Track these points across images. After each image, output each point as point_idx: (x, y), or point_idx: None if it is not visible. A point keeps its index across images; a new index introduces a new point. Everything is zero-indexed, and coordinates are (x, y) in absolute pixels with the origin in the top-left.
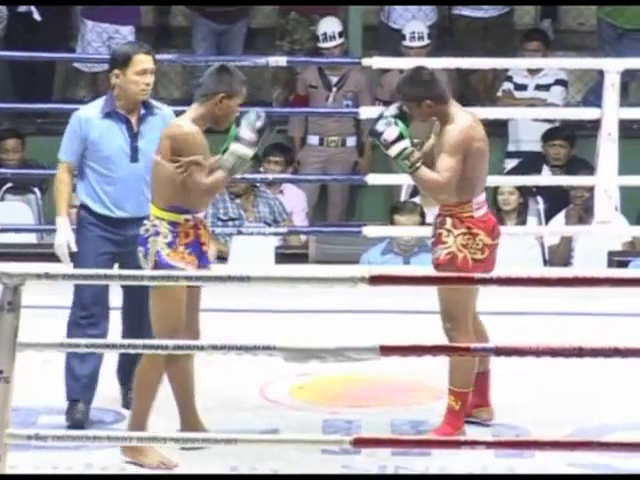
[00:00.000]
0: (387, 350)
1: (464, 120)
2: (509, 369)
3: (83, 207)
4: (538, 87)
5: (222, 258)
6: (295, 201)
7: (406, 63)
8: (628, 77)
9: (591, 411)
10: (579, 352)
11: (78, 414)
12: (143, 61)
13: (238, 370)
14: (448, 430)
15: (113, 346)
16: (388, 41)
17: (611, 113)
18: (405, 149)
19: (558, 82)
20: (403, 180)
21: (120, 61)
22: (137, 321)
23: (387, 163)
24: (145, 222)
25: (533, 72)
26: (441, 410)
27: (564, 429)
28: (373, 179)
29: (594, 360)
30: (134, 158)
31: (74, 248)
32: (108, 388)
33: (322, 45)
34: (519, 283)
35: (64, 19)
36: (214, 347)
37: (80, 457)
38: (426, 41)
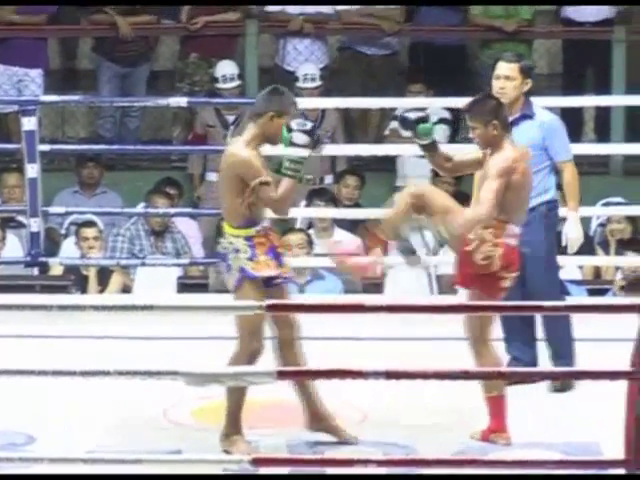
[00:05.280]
0: (283, 375)
1: (511, 152)
2: (396, 389)
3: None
4: None
5: (127, 291)
6: (190, 232)
7: (299, 103)
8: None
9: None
10: (465, 375)
11: None
12: (499, 67)
13: (142, 394)
14: (496, 424)
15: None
16: (282, 82)
17: None
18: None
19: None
20: (298, 213)
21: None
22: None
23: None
24: (221, 240)
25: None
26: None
27: (452, 447)
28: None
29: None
30: None
31: None
32: (19, 411)
33: (221, 86)
34: (409, 310)
35: None
36: (120, 373)
37: None
38: (318, 82)
